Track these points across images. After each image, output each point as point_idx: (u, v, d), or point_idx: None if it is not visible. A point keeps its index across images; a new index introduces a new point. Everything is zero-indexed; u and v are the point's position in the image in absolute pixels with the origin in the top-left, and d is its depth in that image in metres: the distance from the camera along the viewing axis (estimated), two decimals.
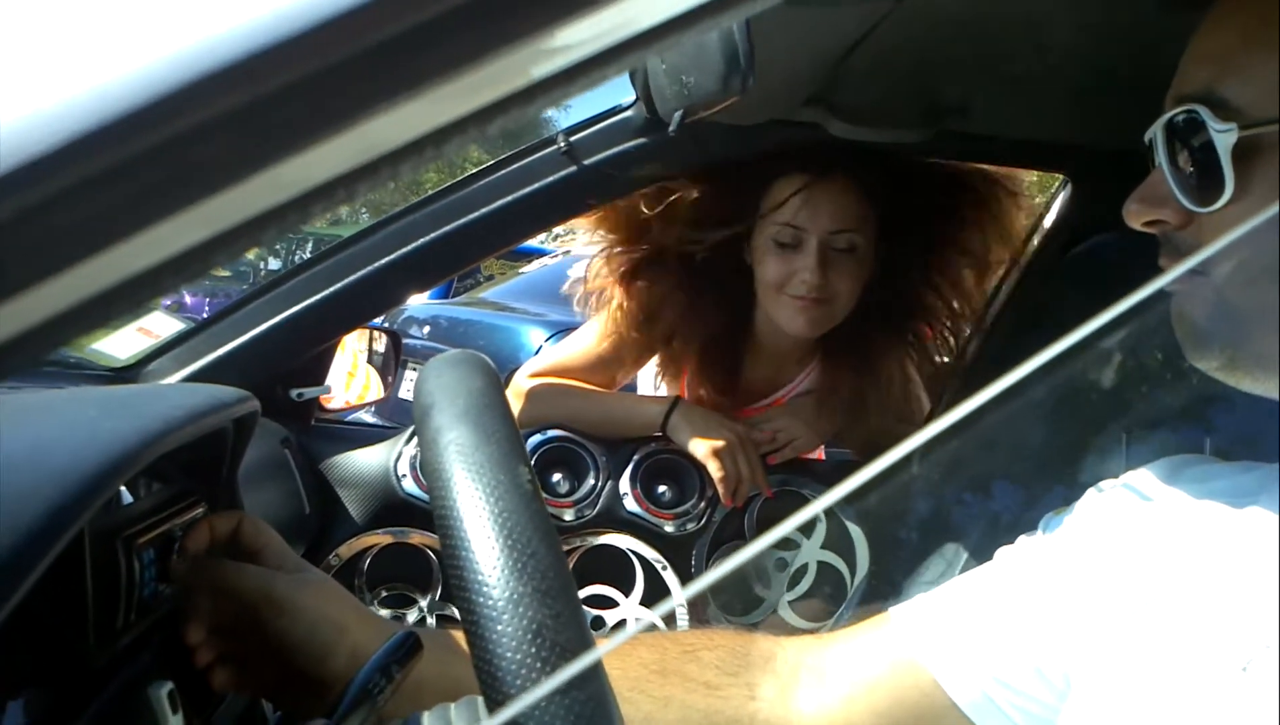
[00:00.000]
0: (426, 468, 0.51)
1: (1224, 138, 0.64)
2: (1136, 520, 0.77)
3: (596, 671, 0.42)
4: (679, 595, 1.61)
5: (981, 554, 1.34)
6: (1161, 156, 0.69)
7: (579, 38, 0.29)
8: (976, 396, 0.29)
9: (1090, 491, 0.85)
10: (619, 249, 1.67)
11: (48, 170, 0.23)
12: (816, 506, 0.34)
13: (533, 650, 0.42)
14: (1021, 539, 0.88)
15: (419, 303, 5.42)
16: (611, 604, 1.62)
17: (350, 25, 0.25)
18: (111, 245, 0.25)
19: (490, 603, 0.44)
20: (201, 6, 0.25)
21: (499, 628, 0.43)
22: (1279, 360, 0.65)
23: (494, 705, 0.42)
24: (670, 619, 1.61)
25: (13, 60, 0.25)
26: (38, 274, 0.24)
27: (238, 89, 0.25)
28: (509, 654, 0.42)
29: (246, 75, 0.24)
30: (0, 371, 0.25)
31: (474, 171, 1.55)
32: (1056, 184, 1.74)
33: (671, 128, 1.28)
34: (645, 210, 1.60)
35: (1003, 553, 0.88)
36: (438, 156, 0.27)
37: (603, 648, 0.41)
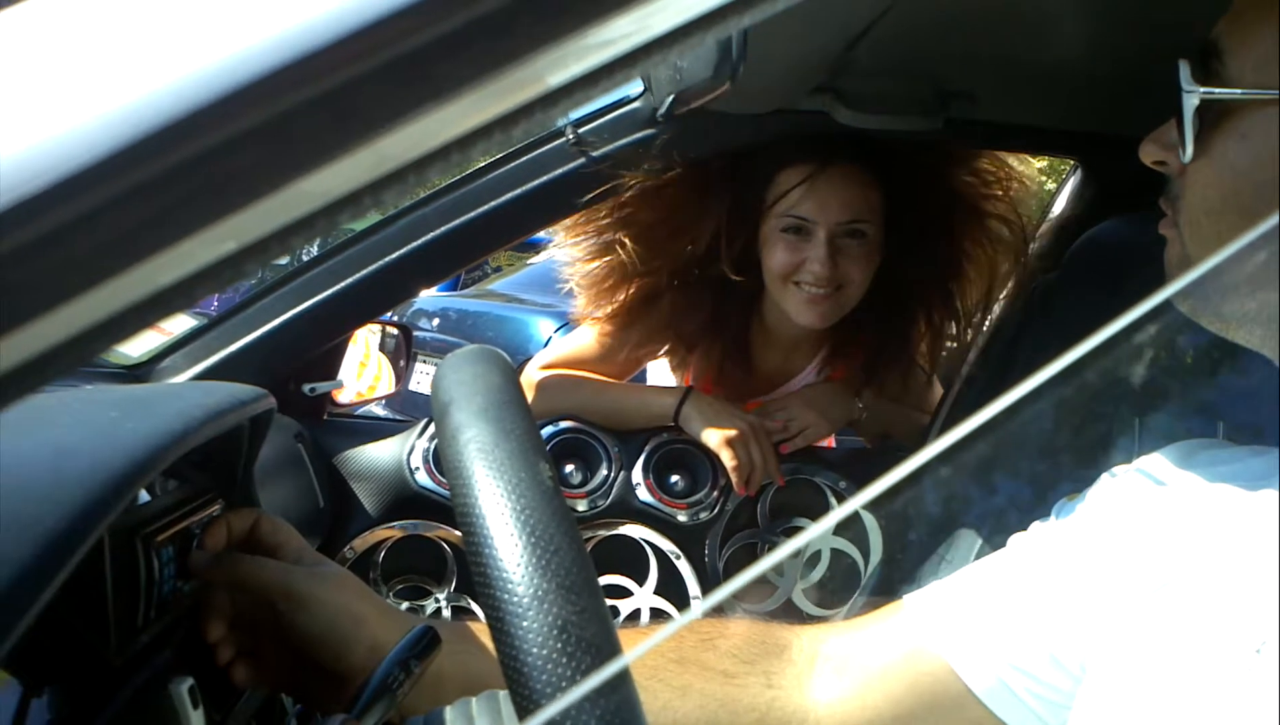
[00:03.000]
0: (446, 465, 0.51)
1: (1189, 98, 0.65)
2: (1150, 505, 0.77)
3: (623, 670, 0.42)
4: (696, 590, 1.61)
5: (995, 541, 1.34)
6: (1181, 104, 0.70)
7: (598, 40, 0.29)
8: (995, 404, 0.30)
9: (1104, 477, 0.85)
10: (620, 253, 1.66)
11: (79, 188, 0.24)
12: (853, 504, 0.34)
13: (558, 646, 0.42)
14: (1035, 525, 0.88)
15: (428, 295, 5.41)
16: (626, 594, 1.63)
17: (373, 38, 0.25)
18: (143, 260, 0.25)
19: (515, 599, 0.44)
20: (225, 24, 0.26)
21: (524, 624, 0.43)
22: (1232, 315, 0.67)
23: (520, 701, 0.42)
24: (685, 608, 1.61)
25: (41, 81, 0.26)
26: (72, 290, 0.25)
27: (263, 104, 0.25)
28: (535, 650, 0.42)
29: (272, 90, 0.25)
30: (36, 383, 0.25)
31: (483, 165, 1.55)
32: (1068, 169, 1.74)
33: (660, 112, 1.27)
34: (645, 213, 1.59)
35: (1016, 539, 0.88)
36: (464, 162, 0.28)
37: (631, 654, 0.41)
